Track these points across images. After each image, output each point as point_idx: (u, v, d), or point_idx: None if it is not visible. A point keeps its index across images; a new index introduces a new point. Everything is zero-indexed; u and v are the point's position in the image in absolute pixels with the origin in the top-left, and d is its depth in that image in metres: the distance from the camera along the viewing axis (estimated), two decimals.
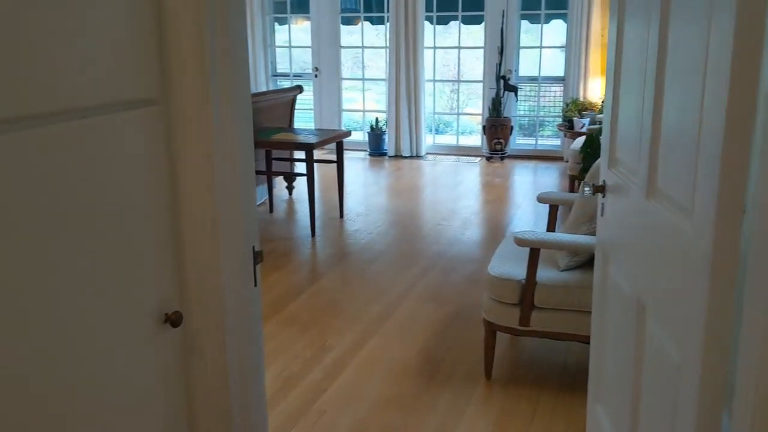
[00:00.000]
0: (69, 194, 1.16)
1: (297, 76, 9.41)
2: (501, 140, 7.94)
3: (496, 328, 2.96)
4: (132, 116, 1.32)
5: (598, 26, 7.48)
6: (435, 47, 8.76)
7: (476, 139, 8.82)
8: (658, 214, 1.70)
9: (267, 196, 6.02)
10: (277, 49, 9.45)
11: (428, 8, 8.34)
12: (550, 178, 7.21)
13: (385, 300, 3.99)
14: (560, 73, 8.18)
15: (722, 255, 1.34)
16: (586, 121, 7.02)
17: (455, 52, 9.13)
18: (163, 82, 1.41)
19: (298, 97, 6.43)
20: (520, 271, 2.91)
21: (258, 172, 5.71)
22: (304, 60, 9.77)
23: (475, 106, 11.32)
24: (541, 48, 8.27)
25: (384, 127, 8.61)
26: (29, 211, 1.07)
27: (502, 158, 8.09)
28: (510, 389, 2.97)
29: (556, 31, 8.95)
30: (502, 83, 7.85)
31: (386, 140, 8.59)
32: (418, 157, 8.47)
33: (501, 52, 7.89)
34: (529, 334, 2.91)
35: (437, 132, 9.17)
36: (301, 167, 6.04)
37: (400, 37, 8.20)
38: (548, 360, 3.25)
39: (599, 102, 7.45)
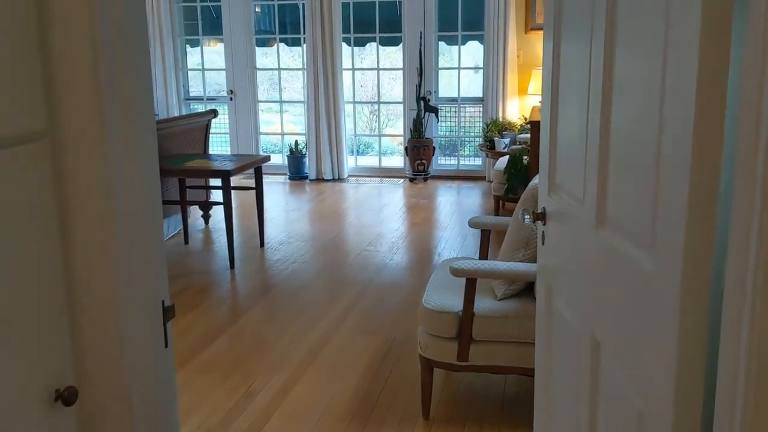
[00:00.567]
0: None
1: (211, 99, 9.09)
2: (423, 161, 7.87)
3: (433, 364, 2.79)
4: (10, 155, 1.08)
5: (514, 47, 7.53)
6: (353, 68, 8.64)
7: (398, 161, 8.73)
8: (611, 246, 1.57)
9: (181, 227, 5.70)
10: (190, 72, 9.11)
11: (345, 30, 8.22)
12: (474, 198, 7.16)
13: (313, 335, 3.76)
14: (479, 93, 8.20)
15: (692, 295, 1.21)
16: (507, 140, 7.03)
17: (371, 73, 9.05)
18: (49, 112, 1.18)
19: (214, 121, 6.16)
20: (456, 303, 2.76)
21: (171, 202, 5.39)
22: (218, 83, 9.46)
23: (395, 127, 11.29)
24: (459, 69, 8.27)
25: (304, 150, 8.40)
26: None
27: (425, 179, 8.01)
28: (450, 428, 2.80)
29: (472, 52, 9.01)
30: (423, 104, 7.79)
31: (306, 163, 8.38)
32: (340, 179, 8.29)
33: (420, 74, 7.84)
34: (468, 369, 2.76)
35: (359, 154, 9.02)
36: (217, 195, 5.75)
37: (317, 59, 8.04)
38: (487, 393, 3.11)
39: (518, 122, 7.49)
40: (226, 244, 4.99)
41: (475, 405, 2.99)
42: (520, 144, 6.42)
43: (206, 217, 6.15)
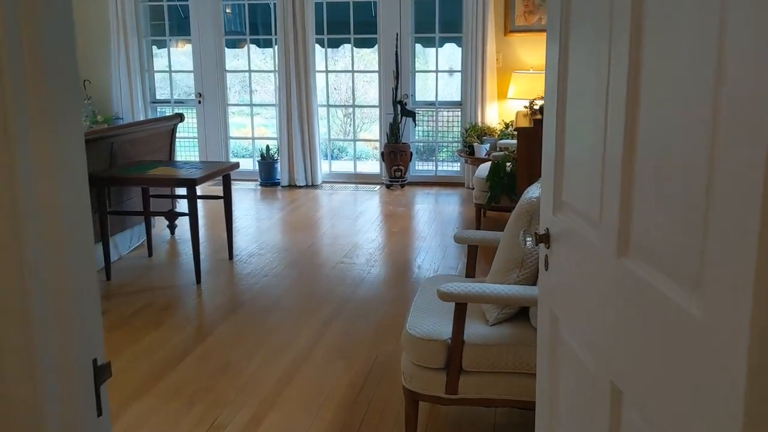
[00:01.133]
0: None
1: (179, 102, 8.74)
2: (401, 167, 7.61)
3: (418, 397, 2.53)
4: None
5: (493, 50, 7.32)
6: (327, 71, 8.35)
7: (374, 166, 8.47)
8: (636, 278, 1.32)
9: (145, 238, 5.36)
10: (157, 74, 8.76)
11: (318, 31, 7.93)
12: (453, 206, 6.92)
13: (286, 359, 3.48)
14: (457, 97, 7.98)
15: (762, 349, 0.96)
16: (487, 146, 6.80)
17: (345, 76, 8.78)
18: None
19: (181, 125, 5.83)
20: (444, 329, 2.50)
21: (133, 213, 5.06)
22: (187, 84, 9.12)
23: (370, 131, 11.01)
24: (437, 72, 8.04)
25: (276, 155, 8.10)
26: None
27: (402, 185, 7.75)
28: None
29: (449, 54, 8.78)
30: (400, 108, 7.53)
31: (278, 169, 8.07)
32: (313, 186, 8.00)
33: (397, 76, 7.58)
34: (457, 402, 2.49)
35: (333, 158, 8.74)
36: (184, 205, 5.42)
37: (289, 61, 7.74)
38: (475, 425, 2.85)
39: (498, 127, 7.27)
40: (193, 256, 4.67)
41: None
42: (501, 150, 6.19)
43: (172, 227, 5.83)
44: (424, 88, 8.73)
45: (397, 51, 7.57)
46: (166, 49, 8.55)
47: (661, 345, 1.22)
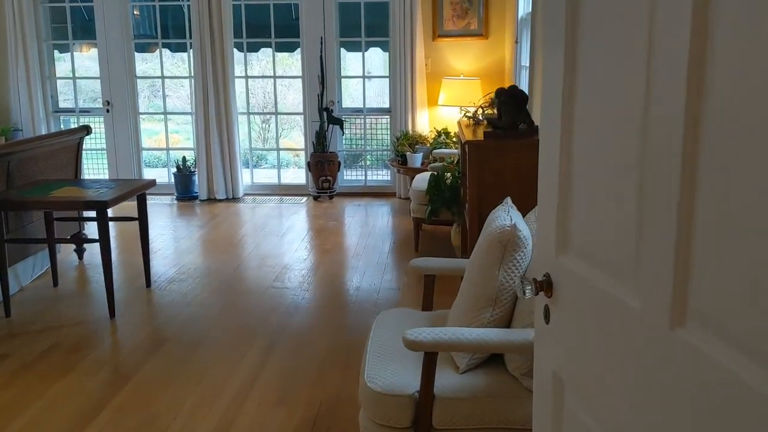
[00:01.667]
0: None
1: (84, 111, 8.07)
2: (329, 177, 7.24)
3: None
4: None
5: (422, 55, 7.06)
6: (247, 76, 7.89)
7: (299, 175, 8.08)
8: (702, 358, 1.03)
9: (49, 265, 4.79)
10: (60, 81, 8.06)
11: (236, 34, 7.47)
12: (385, 218, 6.61)
13: (219, 408, 3.06)
14: (385, 104, 7.69)
15: None
16: (420, 155, 6.53)
17: (261, 80, 8.32)
18: None
19: (88, 135, 5.27)
20: (409, 380, 2.17)
21: (35, 240, 4.49)
22: (93, 91, 8.46)
23: (290, 137, 10.57)
24: (364, 77, 7.72)
25: (193, 167, 7.57)
26: None
27: (330, 197, 7.39)
28: None
29: (375, 59, 8.49)
30: (326, 116, 7.17)
31: (196, 181, 7.54)
32: (234, 199, 7.52)
33: (322, 82, 7.21)
34: None
35: (254, 167, 8.29)
36: (94, 225, 4.87)
37: (206, 66, 7.24)
38: None
39: (430, 135, 7.02)
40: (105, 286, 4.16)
41: None
42: (436, 160, 5.93)
43: (80, 252, 5.26)
44: (352, 94, 8.40)
45: (321, 55, 7.20)
46: (69, 54, 7.87)
47: None
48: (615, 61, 1.27)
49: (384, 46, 7.64)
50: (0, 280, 4.07)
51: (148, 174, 8.25)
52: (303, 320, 4.09)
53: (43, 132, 7.50)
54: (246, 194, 7.69)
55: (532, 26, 5.02)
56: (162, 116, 8.21)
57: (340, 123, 7.24)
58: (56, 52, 7.98)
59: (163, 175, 8.04)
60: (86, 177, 8.12)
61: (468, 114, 4.61)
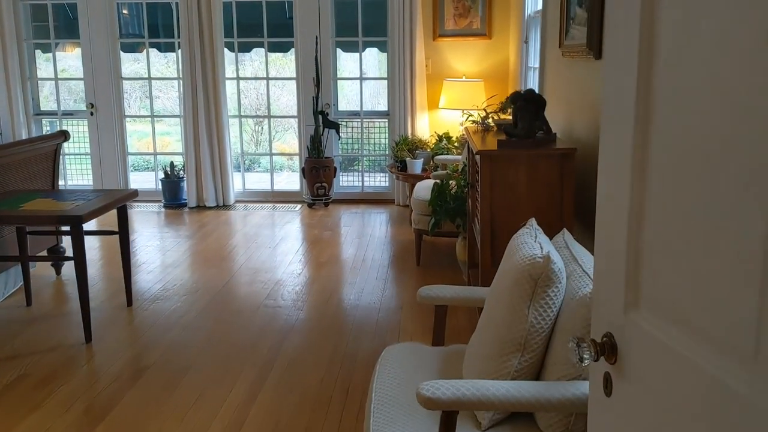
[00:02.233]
0: None
1: (67, 114, 7.70)
2: (324, 184, 6.89)
3: None
4: None
5: (422, 56, 6.72)
6: (238, 77, 7.53)
7: (292, 180, 7.72)
8: None
9: (22, 282, 4.43)
10: (41, 83, 7.69)
11: (227, 33, 7.12)
12: (383, 227, 6.26)
13: None
14: (384, 107, 7.34)
15: None
16: (421, 161, 6.19)
17: (253, 82, 7.97)
18: None
19: (72, 139, 4.91)
20: None
21: (7, 258, 4.13)
22: (77, 93, 8.09)
23: (284, 140, 10.22)
24: (362, 79, 7.37)
25: (181, 173, 7.21)
26: None
27: (326, 204, 7.04)
28: None
29: (373, 60, 8.16)
30: (322, 119, 6.82)
31: (185, 188, 7.18)
32: (225, 206, 7.16)
33: (318, 84, 6.86)
34: None
35: (246, 170, 7.93)
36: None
37: (195, 67, 6.89)
38: None
39: (431, 140, 6.68)
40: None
41: None
42: (438, 167, 5.59)
43: (58, 266, 4.90)
44: (349, 97, 8.06)
45: (316, 56, 6.85)
46: (51, 54, 7.50)
47: None
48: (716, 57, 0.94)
49: (382, 47, 7.30)
50: None
51: (136, 179, 7.88)
52: (297, 347, 3.74)
53: (24, 136, 7.14)
54: (237, 201, 7.33)
55: (542, 25, 4.69)
56: (149, 119, 7.84)
57: (336, 127, 6.89)
58: (38, 52, 7.61)
59: (150, 180, 7.68)
60: (70, 183, 7.75)
61: (476, 119, 4.26)
